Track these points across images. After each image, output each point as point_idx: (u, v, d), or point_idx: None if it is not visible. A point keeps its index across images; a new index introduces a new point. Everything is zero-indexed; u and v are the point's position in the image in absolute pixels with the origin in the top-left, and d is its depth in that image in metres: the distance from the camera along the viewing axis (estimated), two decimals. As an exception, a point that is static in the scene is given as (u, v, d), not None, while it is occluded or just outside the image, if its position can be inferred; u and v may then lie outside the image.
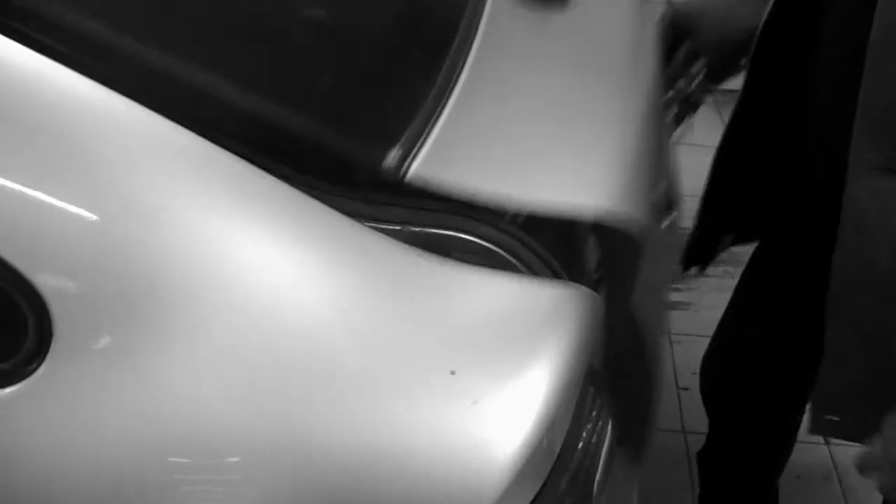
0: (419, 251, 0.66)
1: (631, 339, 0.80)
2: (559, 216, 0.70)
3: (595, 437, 0.71)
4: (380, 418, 0.57)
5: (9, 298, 0.57)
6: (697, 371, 2.05)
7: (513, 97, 0.81)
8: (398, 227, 0.67)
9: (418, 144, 0.69)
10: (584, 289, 0.67)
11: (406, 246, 0.66)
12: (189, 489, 0.61)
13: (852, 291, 0.88)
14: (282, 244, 0.61)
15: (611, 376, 0.73)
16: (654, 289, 0.76)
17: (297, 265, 0.60)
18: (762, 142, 1.12)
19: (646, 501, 0.96)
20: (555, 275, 0.72)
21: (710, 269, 2.33)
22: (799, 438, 1.47)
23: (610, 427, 0.74)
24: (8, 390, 0.58)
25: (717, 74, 1.18)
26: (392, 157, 0.67)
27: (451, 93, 0.76)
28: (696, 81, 1.18)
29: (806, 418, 1.36)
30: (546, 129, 0.79)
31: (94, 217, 0.58)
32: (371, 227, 0.66)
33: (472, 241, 0.69)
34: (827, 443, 1.80)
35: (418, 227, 0.68)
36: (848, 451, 1.44)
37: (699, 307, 2.19)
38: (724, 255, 2.46)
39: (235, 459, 0.59)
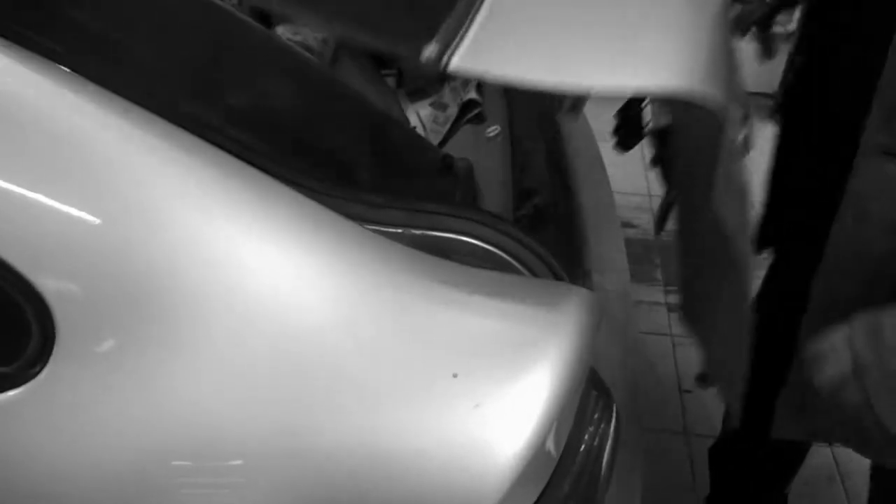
0: (420, 254, 0.66)
1: (716, 242, 0.76)
2: (637, 94, 0.63)
3: (597, 439, 0.71)
4: (381, 421, 0.57)
5: (11, 301, 0.57)
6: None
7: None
8: (399, 230, 0.67)
9: (460, 34, 0.63)
10: (585, 290, 0.67)
11: (407, 249, 0.66)
12: (191, 492, 0.61)
13: (844, 272, 0.88)
14: (283, 247, 0.61)
15: (695, 297, 0.67)
16: (734, 189, 0.70)
17: (298, 268, 0.60)
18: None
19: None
20: (556, 277, 0.72)
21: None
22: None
23: (612, 429, 0.74)
24: (11, 393, 0.59)
25: None
26: (431, 49, 0.62)
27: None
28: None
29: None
30: (605, 10, 0.70)
31: (96, 220, 0.58)
32: (373, 230, 0.67)
33: (472, 244, 0.69)
34: (830, 445, 1.80)
35: (419, 230, 0.68)
36: (851, 454, 1.44)
37: (702, 309, 2.19)
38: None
39: (238, 462, 0.59)
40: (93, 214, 0.58)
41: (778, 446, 1.43)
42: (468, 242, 0.68)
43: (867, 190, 0.85)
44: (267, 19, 1.55)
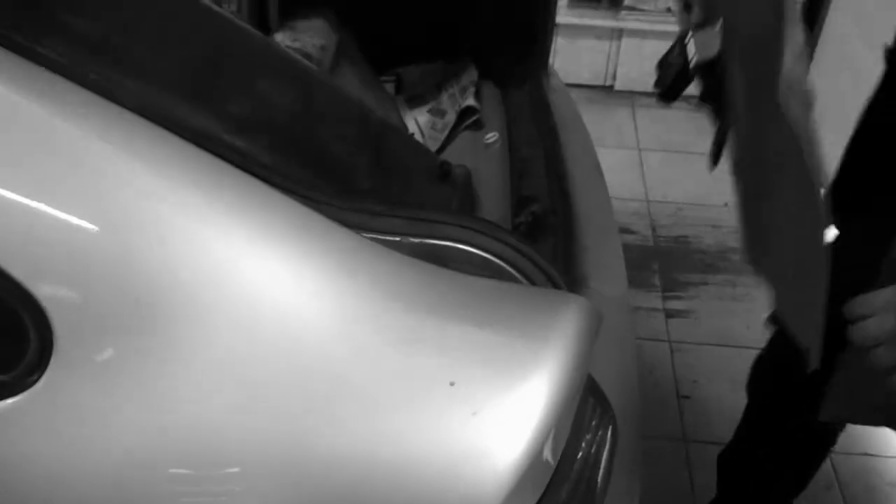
0: (418, 262, 0.66)
1: (784, 156, 0.74)
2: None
3: (595, 447, 0.72)
4: (380, 429, 0.57)
5: (9, 309, 0.57)
6: (698, 379, 2.06)
7: None
8: (398, 239, 0.67)
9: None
10: (582, 299, 0.67)
11: (405, 257, 0.66)
12: (189, 500, 0.61)
13: None
14: (282, 256, 0.61)
15: (761, 229, 0.64)
16: (799, 94, 0.68)
17: (297, 276, 0.60)
18: None
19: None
20: (554, 285, 0.73)
21: (711, 277, 2.35)
22: (801, 447, 1.47)
23: (610, 436, 0.74)
24: (9, 401, 0.59)
25: None
26: None
27: None
28: None
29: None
30: None
31: (95, 227, 0.58)
32: (371, 238, 0.67)
33: (470, 252, 0.69)
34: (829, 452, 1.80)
35: (417, 238, 0.68)
36: (849, 461, 1.44)
37: (699, 315, 2.19)
38: (724, 264, 2.47)
39: (236, 470, 0.59)
40: (91, 222, 0.58)
41: (791, 457, 1.42)
42: (466, 251, 0.68)
43: None
44: (266, 26, 1.55)
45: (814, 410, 1.32)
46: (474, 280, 0.67)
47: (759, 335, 2.13)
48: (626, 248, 1.34)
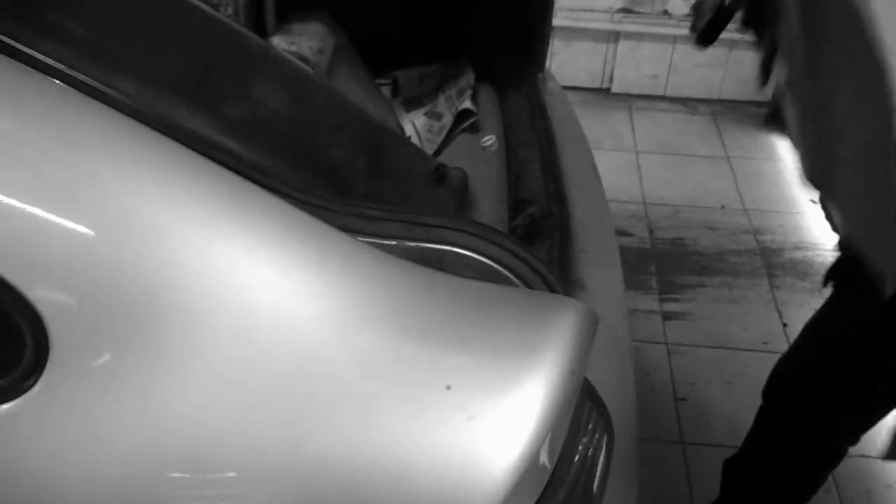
0: (415, 266, 0.66)
1: (846, 22, 0.71)
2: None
3: (592, 450, 0.72)
4: (376, 434, 0.57)
5: (5, 315, 0.57)
6: (695, 381, 2.06)
7: None
8: (394, 243, 0.68)
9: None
10: (579, 302, 0.67)
11: (402, 261, 0.66)
12: (186, 504, 0.61)
13: None
14: (279, 260, 0.61)
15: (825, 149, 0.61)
16: None
17: (293, 281, 0.60)
18: None
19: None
20: (550, 288, 0.73)
21: (708, 280, 2.35)
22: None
23: (606, 440, 0.74)
24: (5, 406, 0.58)
25: None
26: None
27: None
28: None
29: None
30: None
31: (91, 232, 0.58)
32: (368, 242, 0.67)
33: (467, 256, 0.69)
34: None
35: (414, 242, 0.68)
36: (847, 463, 1.44)
37: (696, 317, 2.20)
38: (721, 266, 2.47)
39: (233, 475, 0.59)
40: (88, 227, 0.58)
41: (799, 473, 1.40)
42: (462, 254, 0.69)
43: None
44: (262, 30, 1.55)
45: (836, 431, 1.29)
46: (471, 284, 0.67)
47: (755, 337, 2.13)
48: (623, 250, 1.34)
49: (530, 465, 0.57)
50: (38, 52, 0.63)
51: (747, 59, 3.11)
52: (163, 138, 0.62)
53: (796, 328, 2.16)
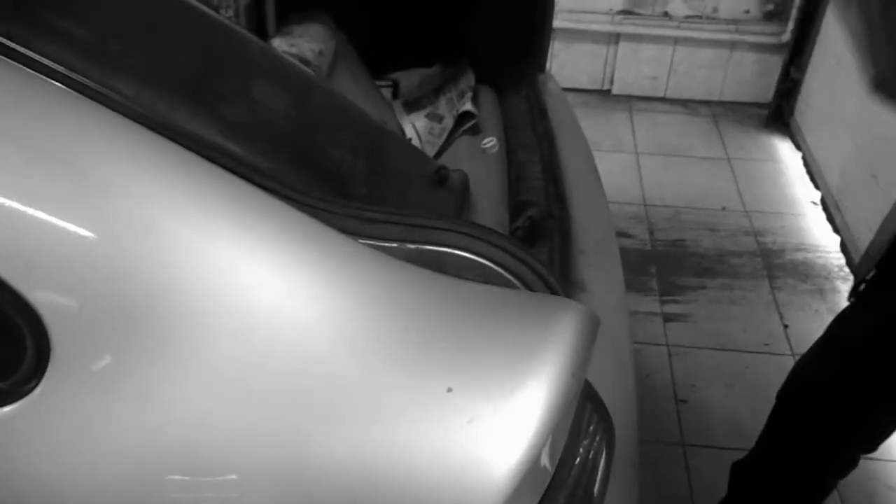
0: (416, 269, 0.66)
1: None
2: None
3: (592, 452, 0.71)
4: (376, 437, 0.57)
5: (6, 318, 0.57)
6: (696, 383, 2.06)
7: None
8: (395, 245, 0.67)
9: None
10: (580, 305, 0.67)
11: (402, 264, 0.66)
12: (186, 507, 0.61)
13: None
14: (279, 261, 0.61)
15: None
16: None
17: (294, 283, 0.60)
18: None
19: (644, 516, 0.96)
20: (551, 291, 0.73)
21: (708, 281, 2.35)
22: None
23: (607, 442, 0.74)
24: (6, 409, 0.58)
25: None
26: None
27: None
28: None
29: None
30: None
31: (92, 235, 0.58)
32: (368, 244, 0.67)
33: (467, 258, 0.69)
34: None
35: (414, 244, 0.68)
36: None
37: (697, 319, 2.20)
38: (722, 268, 2.47)
39: (232, 477, 0.59)
40: (88, 230, 0.58)
41: (809, 479, 1.38)
42: (463, 256, 0.69)
43: None
44: (263, 31, 1.56)
45: (852, 439, 1.28)
46: (471, 286, 0.67)
47: (756, 339, 2.13)
48: (624, 251, 1.34)
49: (531, 468, 0.57)
50: (38, 53, 0.63)
51: (748, 61, 3.12)
52: (164, 140, 0.62)
53: (797, 330, 2.16)
